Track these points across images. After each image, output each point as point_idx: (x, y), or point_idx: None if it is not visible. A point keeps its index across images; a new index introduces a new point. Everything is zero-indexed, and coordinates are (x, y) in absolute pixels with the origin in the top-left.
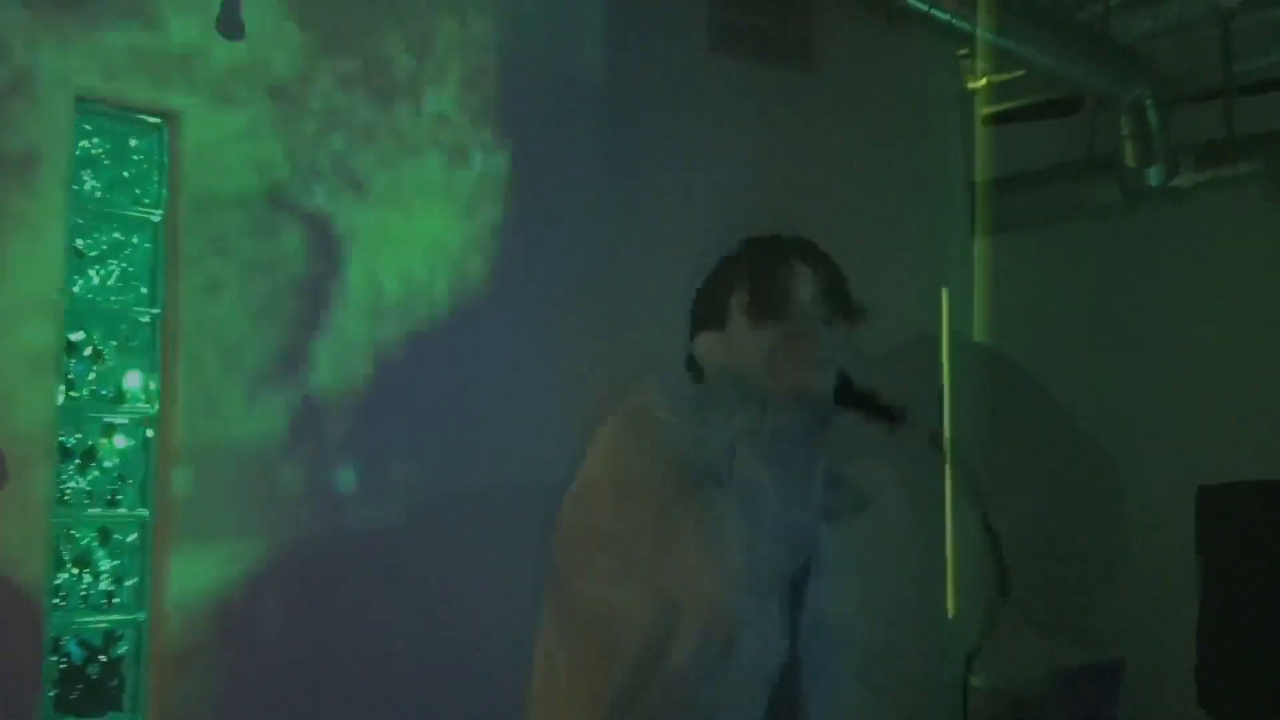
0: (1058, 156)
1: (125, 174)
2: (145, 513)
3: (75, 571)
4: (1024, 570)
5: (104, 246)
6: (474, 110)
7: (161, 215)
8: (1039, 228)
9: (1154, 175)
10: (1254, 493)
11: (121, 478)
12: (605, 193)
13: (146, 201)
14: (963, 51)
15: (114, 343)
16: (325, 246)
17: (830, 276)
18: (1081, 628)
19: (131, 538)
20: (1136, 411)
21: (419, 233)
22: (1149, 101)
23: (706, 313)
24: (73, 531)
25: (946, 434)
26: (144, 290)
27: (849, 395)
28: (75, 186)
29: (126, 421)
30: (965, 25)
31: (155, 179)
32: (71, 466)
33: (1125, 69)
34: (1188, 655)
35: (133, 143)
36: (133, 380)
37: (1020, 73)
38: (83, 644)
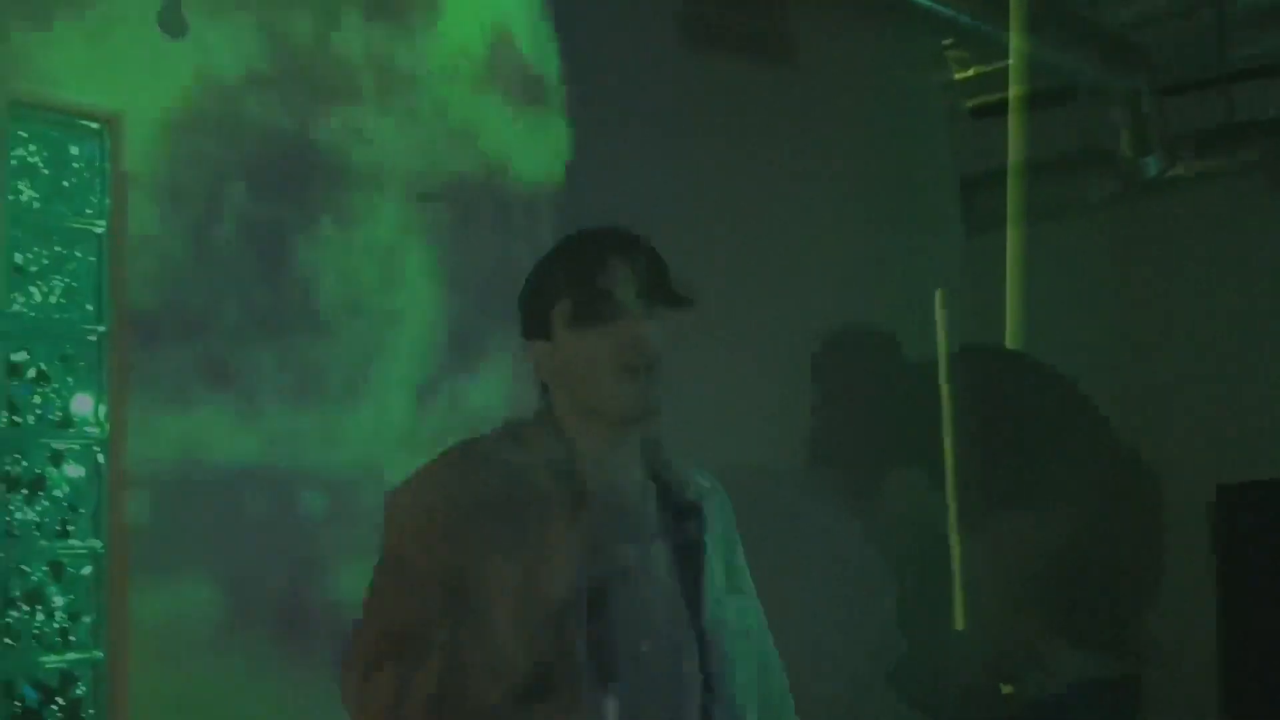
0: (1049, 149)
1: (65, 183)
2: (99, 544)
3: (27, 609)
4: (1058, 583)
5: (45, 261)
6: (440, 110)
7: (105, 226)
8: (1031, 224)
9: (1151, 166)
10: (1272, 491)
11: (73, 507)
12: (575, 193)
13: (89, 212)
14: (947, 42)
15: (59, 363)
16: (286, 258)
17: (650, 266)
18: (1118, 640)
19: (86, 571)
20: (1141, 413)
21: (382, 246)
22: (1144, 89)
23: (532, 321)
24: (23, 566)
25: (949, 448)
26: (90, 307)
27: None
28: (11, 197)
29: (77, 447)
30: (948, 12)
31: (98, 188)
32: (19, 497)
33: (1118, 56)
34: (1205, 667)
35: (73, 150)
36: (83, 403)
37: (1008, 62)
38: (37, 686)
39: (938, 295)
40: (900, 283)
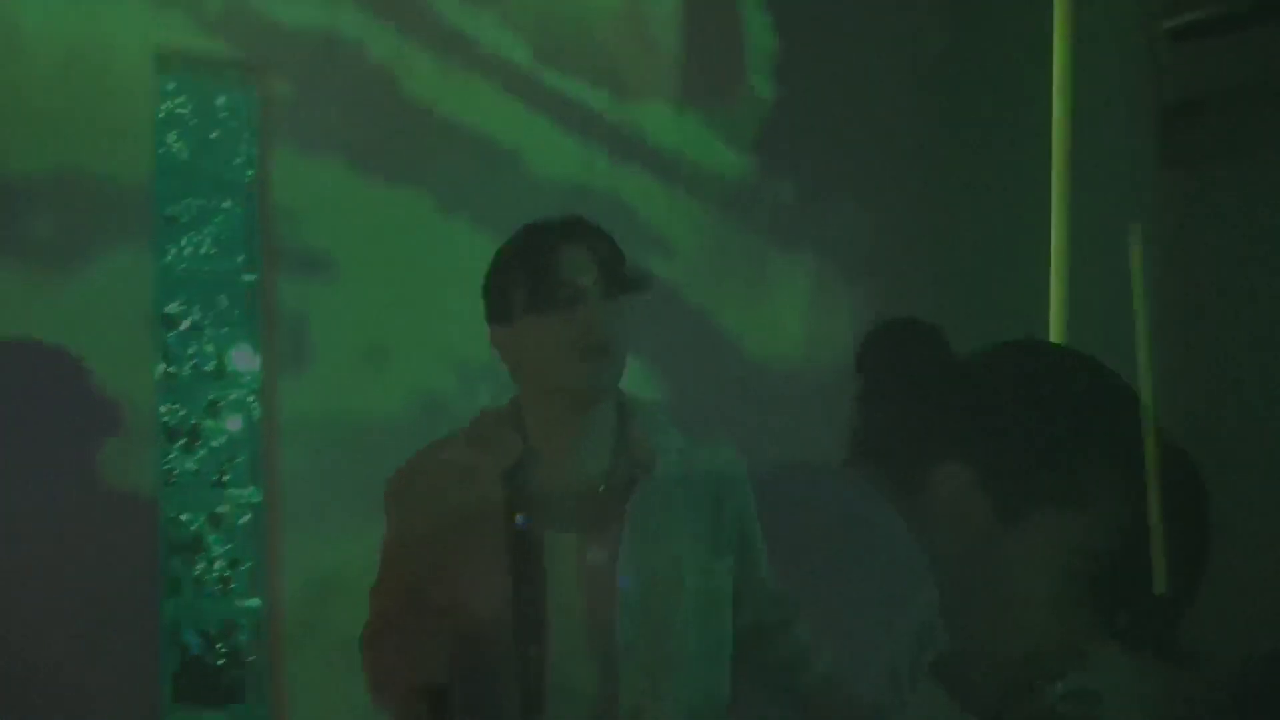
0: (1258, 74)
1: (212, 135)
2: (256, 493)
3: (188, 557)
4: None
5: (195, 212)
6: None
7: (253, 176)
8: (1235, 161)
9: None
10: None
11: (230, 457)
12: None
13: (237, 162)
14: None
15: (213, 314)
16: (436, 205)
17: (603, 252)
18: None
19: (244, 520)
20: None
21: (532, 195)
22: None
23: (494, 309)
24: (182, 516)
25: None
26: (240, 258)
27: None
28: (161, 150)
29: (233, 397)
30: None
31: (245, 138)
32: (177, 447)
33: None
34: None
35: (219, 100)
36: (240, 354)
37: None
38: (200, 633)
39: (1134, 230)
40: (1092, 221)
